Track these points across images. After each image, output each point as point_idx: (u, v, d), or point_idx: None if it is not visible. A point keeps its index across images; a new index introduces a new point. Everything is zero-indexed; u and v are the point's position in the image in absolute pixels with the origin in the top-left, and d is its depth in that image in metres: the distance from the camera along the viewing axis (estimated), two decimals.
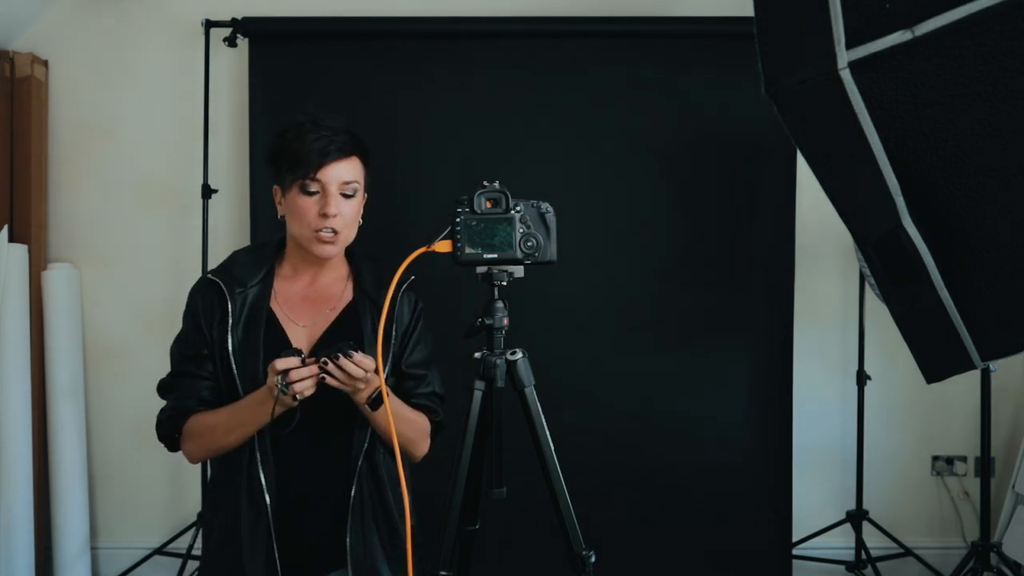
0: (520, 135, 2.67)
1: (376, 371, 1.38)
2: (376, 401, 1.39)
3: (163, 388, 1.54)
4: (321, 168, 1.44)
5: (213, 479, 1.65)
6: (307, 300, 1.55)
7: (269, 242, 1.62)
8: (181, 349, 1.53)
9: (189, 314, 1.55)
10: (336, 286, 1.57)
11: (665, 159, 2.70)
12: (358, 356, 1.34)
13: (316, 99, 2.65)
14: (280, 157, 1.49)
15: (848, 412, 2.89)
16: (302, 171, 1.44)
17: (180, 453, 1.54)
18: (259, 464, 1.45)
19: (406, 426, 1.49)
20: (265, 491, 1.44)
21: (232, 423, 1.43)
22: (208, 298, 1.52)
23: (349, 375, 1.34)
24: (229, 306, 1.49)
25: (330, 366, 1.33)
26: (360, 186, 1.51)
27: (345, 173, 1.47)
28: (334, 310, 1.54)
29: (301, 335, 1.51)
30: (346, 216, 1.48)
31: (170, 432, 1.50)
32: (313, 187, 1.45)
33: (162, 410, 1.53)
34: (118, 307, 2.83)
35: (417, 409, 1.55)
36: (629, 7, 2.76)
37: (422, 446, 1.55)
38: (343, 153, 1.47)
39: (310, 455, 1.49)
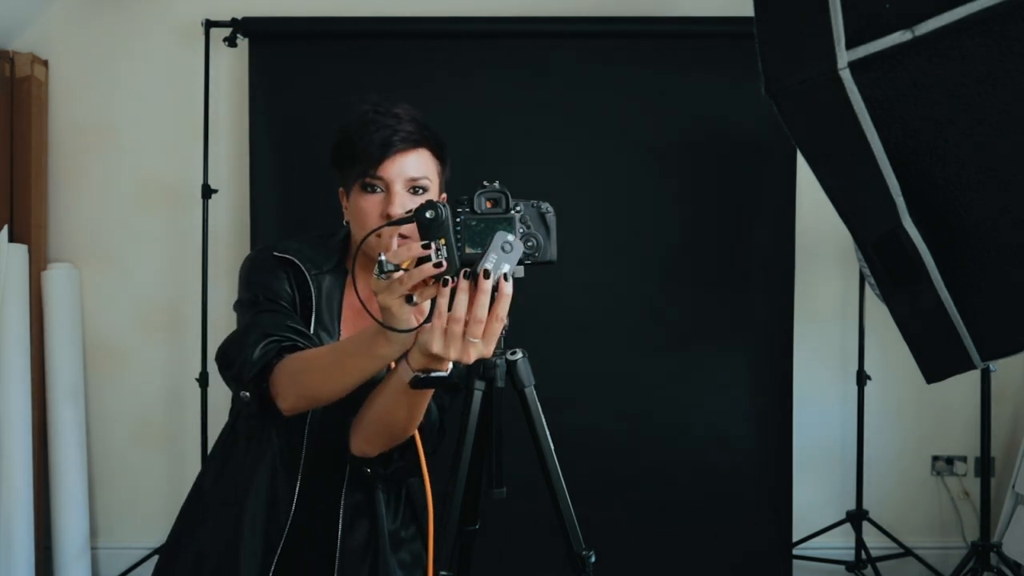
0: (520, 135, 2.67)
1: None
2: (424, 381, 1.11)
3: (233, 343, 1.24)
4: (383, 162, 1.27)
5: (203, 493, 1.41)
6: (362, 315, 1.34)
7: (335, 233, 1.43)
8: (257, 286, 1.29)
9: (261, 264, 1.33)
10: None
11: (665, 159, 2.70)
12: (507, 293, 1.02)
13: (315, 99, 2.66)
14: (341, 154, 1.33)
15: (848, 412, 2.89)
16: (362, 167, 1.28)
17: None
18: (296, 479, 1.27)
19: (413, 417, 1.23)
20: (292, 511, 1.27)
21: (333, 360, 1.14)
22: (281, 273, 1.31)
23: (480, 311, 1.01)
24: (312, 288, 1.31)
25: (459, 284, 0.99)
26: (432, 183, 1.33)
27: (412, 168, 1.30)
28: None
29: None
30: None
31: (265, 365, 1.19)
32: (377, 184, 1.28)
33: (241, 353, 1.21)
34: (118, 307, 2.83)
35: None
36: (629, 7, 2.76)
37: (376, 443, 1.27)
38: (409, 144, 1.29)
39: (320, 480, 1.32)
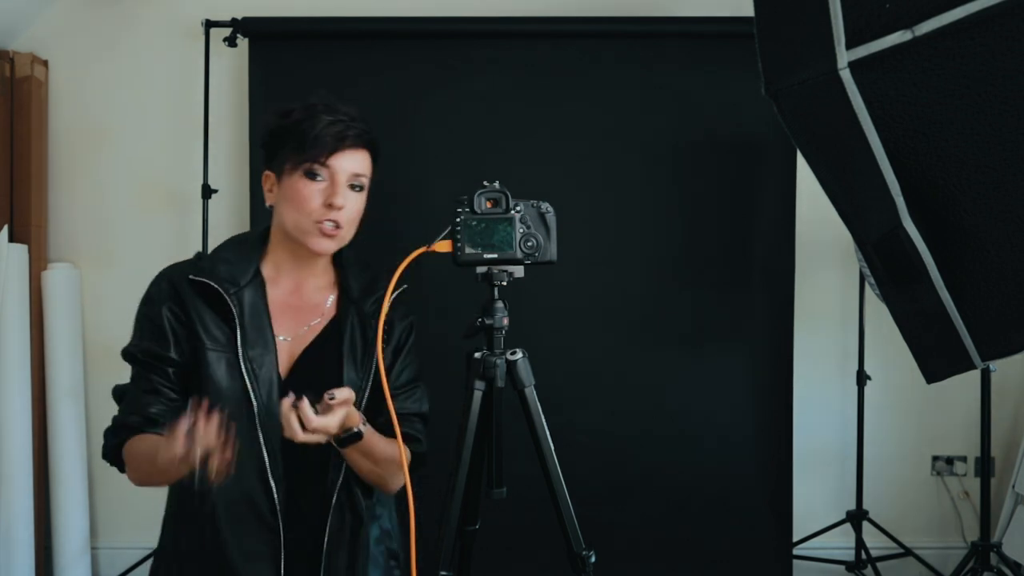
0: (520, 135, 2.67)
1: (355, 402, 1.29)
2: (347, 439, 1.28)
3: (116, 394, 1.41)
4: (335, 154, 1.32)
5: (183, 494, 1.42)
6: (290, 309, 1.41)
7: (250, 234, 1.48)
8: (138, 348, 1.37)
9: (149, 315, 1.37)
10: (321, 295, 1.44)
11: (665, 159, 2.69)
12: (334, 396, 1.22)
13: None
14: (283, 138, 1.35)
15: (848, 412, 2.89)
16: (312, 154, 1.31)
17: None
18: (270, 477, 1.33)
19: (379, 464, 1.37)
20: (279, 512, 1.33)
21: (155, 461, 1.22)
22: (188, 301, 1.36)
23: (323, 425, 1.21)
24: (233, 309, 1.34)
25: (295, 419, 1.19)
26: (367, 182, 1.40)
27: (357, 165, 1.36)
28: (318, 324, 1.41)
29: (282, 350, 1.38)
30: (350, 211, 1.36)
31: (110, 450, 1.35)
32: (321, 173, 1.33)
33: (105, 431, 1.37)
34: (118, 307, 2.80)
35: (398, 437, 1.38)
36: (629, 7, 2.76)
37: (396, 480, 1.40)
38: (359, 142, 1.36)
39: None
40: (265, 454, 1.33)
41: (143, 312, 1.40)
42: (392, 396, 1.32)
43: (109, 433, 1.36)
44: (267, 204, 1.42)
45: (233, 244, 1.46)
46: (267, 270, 1.42)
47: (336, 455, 1.35)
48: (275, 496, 1.33)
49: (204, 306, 1.35)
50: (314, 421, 1.20)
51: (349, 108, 1.38)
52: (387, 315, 1.39)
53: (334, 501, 1.37)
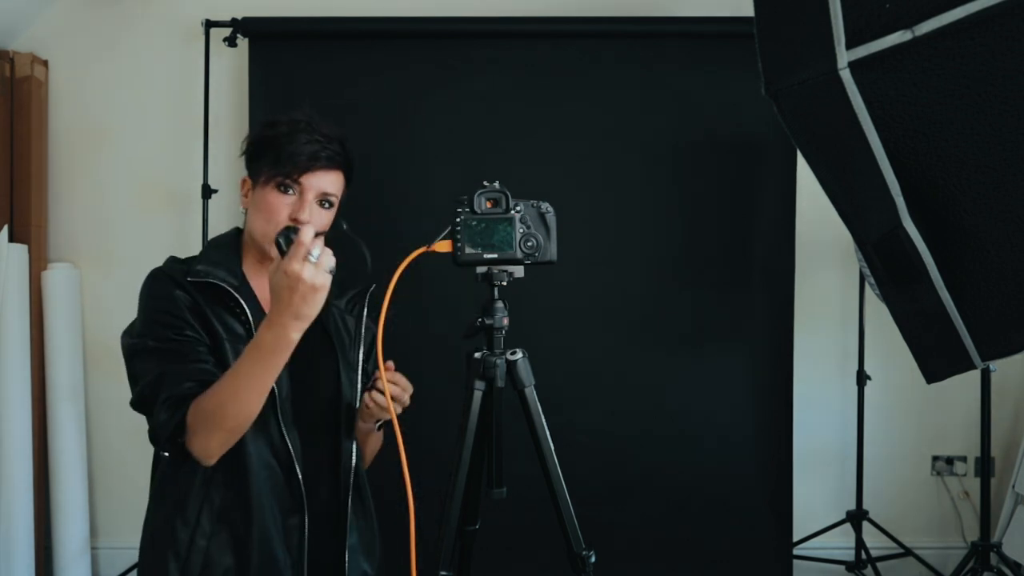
0: (521, 135, 2.67)
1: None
2: (384, 422, 1.43)
3: (146, 395, 1.35)
4: (306, 172, 1.38)
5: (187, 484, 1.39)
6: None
7: (224, 237, 1.52)
8: (157, 342, 1.35)
9: (163, 306, 1.36)
10: None
11: (665, 159, 2.69)
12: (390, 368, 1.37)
13: (315, 99, 2.65)
14: (263, 149, 1.41)
15: (848, 412, 2.89)
16: (285, 169, 1.37)
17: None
18: (294, 457, 1.38)
19: (376, 443, 1.58)
20: (303, 491, 1.39)
21: (243, 375, 1.24)
22: (195, 295, 1.37)
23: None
24: (243, 303, 1.38)
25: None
26: (337, 199, 1.45)
27: (328, 184, 1.41)
28: None
29: None
30: (315, 227, 1.39)
31: (173, 429, 1.29)
32: (292, 188, 1.39)
33: (154, 416, 1.33)
34: (118, 307, 2.81)
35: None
36: (629, 7, 2.76)
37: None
38: (332, 164, 1.41)
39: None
40: (288, 441, 1.38)
41: (154, 306, 1.39)
42: (371, 381, 1.46)
43: (163, 411, 1.30)
44: (241, 208, 1.49)
45: (214, 248, 1.50)
46: (247, 270, 1.48)
47: (349, 441, 1.47)
48: (300, 481, 1.38)
49: (210, 301, 1.38)
50: (397, 388, 1.38)
51: (330, 128, 1.44)
52: (362, 315, 1.54)
53: (352, 483, 1.45)
